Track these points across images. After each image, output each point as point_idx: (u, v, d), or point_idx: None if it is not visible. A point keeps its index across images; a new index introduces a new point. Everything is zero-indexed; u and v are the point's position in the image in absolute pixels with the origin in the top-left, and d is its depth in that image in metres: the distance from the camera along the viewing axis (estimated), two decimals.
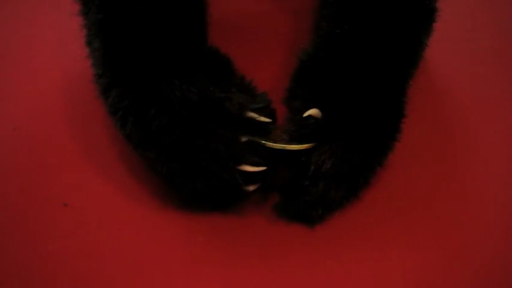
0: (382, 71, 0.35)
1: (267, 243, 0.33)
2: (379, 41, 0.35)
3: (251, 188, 0.33)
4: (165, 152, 0.32)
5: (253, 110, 0.32)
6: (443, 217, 0.35)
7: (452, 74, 0.44)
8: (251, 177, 0.32)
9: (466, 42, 0.46)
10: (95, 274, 0.32)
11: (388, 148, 0.35)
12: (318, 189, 0.33)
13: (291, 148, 0.33)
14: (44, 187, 0.36)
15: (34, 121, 0.39)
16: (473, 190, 0.36)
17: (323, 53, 0.36)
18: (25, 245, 0.33)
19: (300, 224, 0.34)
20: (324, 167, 0.32)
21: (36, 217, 0.34)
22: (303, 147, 0.33)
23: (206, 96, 0.32)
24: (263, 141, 0.32)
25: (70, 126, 0.39)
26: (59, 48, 0.44)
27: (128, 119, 0.33)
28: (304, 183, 0.33)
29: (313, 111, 0.33)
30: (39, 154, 0.37)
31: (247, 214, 0.34)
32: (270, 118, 0.33)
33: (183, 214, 0.34)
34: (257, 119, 0.32)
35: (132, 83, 0.33)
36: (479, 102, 0.42)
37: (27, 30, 0.46)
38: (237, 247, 0.33)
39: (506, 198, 0.36)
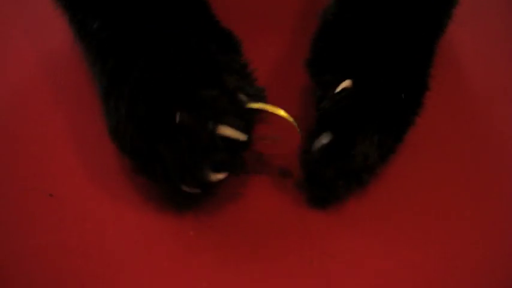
0: (410, 36, 0.33)
1: (260, 238, 0.33)
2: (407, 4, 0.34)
3: (218, 176, 0.30)
4: (144, 90, 0.29)
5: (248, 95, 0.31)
6: (448, 213, 0.34)
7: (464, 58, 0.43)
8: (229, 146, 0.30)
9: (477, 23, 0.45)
10: (80, 268, 0.31)
11: (409, 123, 0.33)
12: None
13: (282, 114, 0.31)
14: (28, 177, 0.35)
15: (17, 109, 0.38)
16: (482, 184, 0.36)
17: (349, 14, 0.33)
18: (8, 236, 0.32)
19: (294, 217, 0.33)
20: (370, 159, 0.31)
21: (20, 208, 0.33)
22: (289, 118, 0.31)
23: (205, 49, 0.30)
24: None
25: (56, 115, 0.38)
26: (38, 33, 0.43)
27: (114, 52, 0.31)
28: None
29: (346, 83, 0.31)
30: (24, 142, 0.37)
31: (240, 208, 0.34)
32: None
33: (174, 208, 0.34)
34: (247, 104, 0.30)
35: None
36: (488, 89, 0.41)
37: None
38: (229, 241, 0.33)
39: None
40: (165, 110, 0.29)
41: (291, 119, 0.32)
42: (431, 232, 0.33)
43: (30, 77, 0.40)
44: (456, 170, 0.36)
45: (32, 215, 0.33)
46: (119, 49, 0.32)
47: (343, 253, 0.32)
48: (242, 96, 0.30)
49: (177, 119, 0.28)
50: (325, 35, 0.34)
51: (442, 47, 0.38)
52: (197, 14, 0.34)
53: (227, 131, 0.29)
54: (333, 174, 0.31)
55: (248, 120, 0.30)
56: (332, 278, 0.31)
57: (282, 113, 0.31)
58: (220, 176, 0.30)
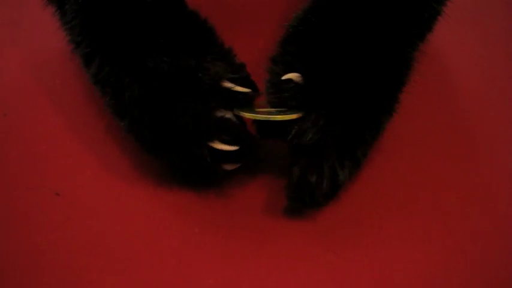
0: (381, 35, 0.33)
1: (265, 234, 0.33)
2: (378, 5, 0.33)
3: (228, 167, 0.31)
4: (136, 124, 0.31)
5: (231, 80, 0.31)
6: (447, 210, 0.34)
7: (459, 58, 0.43)
8: (226, 155, 0.31)
9: (474, 24, 0.45)
10: (86, 265, 0.31)
11: (381, 120, 0.33)
12: (298, 169, 0.31)
13: (274, 119, 0.31)
14: (35, 175, 0.35)
15: (23, 108, 0.38)
16: (480, 182, 0.35)
17: (315, 18, 0.33)
18: (15, 234, 0.32)
19: (298, 214, 0.33)
20: (303, 138, 0.30)
21: (26, 207, 0.33)
22: (288, 118, 0.31)
23: (177, 66, 0.31)
24: (242, 113, 0.31)
25: (61, 113, 0.38)
26: (45, 31, 0.43)
27: (107, 89, 0.33)
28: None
29: (293, 75, 0.31)
30: (31, 140, 0.37)
31: (245, 205, 0.34)
32: (250, 89, 0.32)
33: (179, 205, 0.34)
34: (233, 88, 0.31)
35: (109, 52, 0.33)
36: (487, 88, 0.41)
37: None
38: (234, 238, 0.32)
39: None
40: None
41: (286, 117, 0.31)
42: (432, 230, 0.33)
43: (35, 76, 0.40)
44: (456, 170, 0.36)
45: (39, 213, 0.33)
46: (113, 81, 0.33)
47: (348, 250, 0.32)
48: (227, 114, 0.31)
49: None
50: (290, 34, 0.34)
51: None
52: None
53: (220, 146, 0.31)
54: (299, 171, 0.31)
55: (241, 131, 0.32)
56: (336, 274, 0.31)
57: (268, 118, 0.31)
58: (231, 166, 0.32)
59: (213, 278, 0.31)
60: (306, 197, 0.31)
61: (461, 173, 0.36)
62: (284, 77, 0.31)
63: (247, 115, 0.31)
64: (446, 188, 0.35)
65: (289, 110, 0.31)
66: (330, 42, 0.32)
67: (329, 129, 0.31)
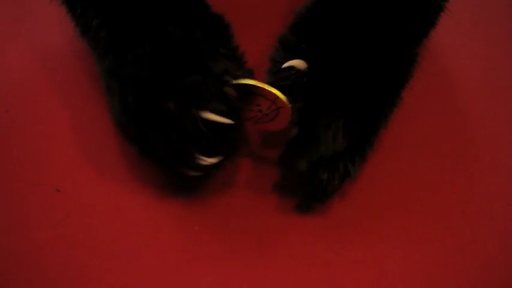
0: (387, 28, 0.33)
1: (265, 233, 0.33)
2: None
3: (209, 160, 0.30)
4: (132, 83, 0.30)
5: (235, 78, 0.30)
6: (447, 210, 0.34)
7: (461, 58, 0.43)
8: (215, 132, 0.29)
9: (475, 24, 0.45)
10: (86, 262, 0.31)
11: (384, 112, 0.33)
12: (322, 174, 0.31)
13: (268, 88, 0.30)
14: (36, 172, 0.35)
15: (24, 105, 0.38)
16: (480, 182, 0.36)
17: (320, 5, 0.33)
18: (15, 230, 0.32)
19: (298, 214, 0.33)
20: (337, 145, 0.30)
21: (27, 203, 0.33)
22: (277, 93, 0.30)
23: (189, 38, 0.31)
24: (243, 82, 0.30)
25: (62, 111, 0.38)
26: (46, 27, 0.43)
27: (109, 51, 0.32)
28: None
29: (295, 62, 0.31)
30: (32, 137, 0.37)
31: (245, 204, 0.34)
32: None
33: (179, 203, 0.34)
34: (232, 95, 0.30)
35: (117, 18, 0.32)
36: (487, 88, 0.41)
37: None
38: (233, 237, 0.32)
39: None
40: (152, 100, 0.30)
41: (278, 93, 0.30)
42: (431, 230, 0.33)
43: (36, 74, 0.40)
44: (456, 170, 0.36)
45: (39, 210, 0.33)
46: (113, 46, 0.32)
47: (347, 250, 0.32)
48: (227, 77, 0.30)
49: (164, 107, 0.29)
50: (295, 26, 0.34)
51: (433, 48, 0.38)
52: (187, 1, 0.34)
53: (211, 116, 0.29)
54: (306, 166, 0.31)
55: (236, 104, 0.30)
56: (336, 274, 0.31)
57: (268, 87, 0.30)
58: (212, 160, 0.30)
59: (213, 275, 0.31)
60: (319, 193, 0.31)
61: (461, 172, 0.36)
62: (286, 65, 0.31)
63: (246, 81, 0.30)
64: (447, 188, 0.35)
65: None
66: (336, 33, 0.32)
67: (349, 127, 0.30)
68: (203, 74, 0.29)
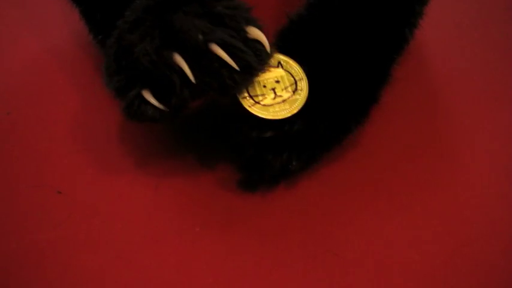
0: (371, 35, 0.34)
1: (264, 233, 0.33)
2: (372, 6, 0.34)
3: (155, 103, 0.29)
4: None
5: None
6: (447, 210, 0.34)
7: (446, 57, 0.43)
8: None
9: (474, 27, 0.45)
10: (87, 263, 0.31)
11: (360, 112, 0.34)
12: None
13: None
14: (37, 174, 0.35)
15: (25, 106, 0.38)
16: (480, 182, 0.35)
17: (317, 12, 0.34)
18: (17, 231, 0.32)
19: (298, 214, 0.33)
20: (294, 127, 0.31)
21: (29, 204, 0.34)
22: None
23: None
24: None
25: (64, 112, 0.38)
26: (47, 30, 0.43)
27: None
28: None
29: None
30: (33, 139, 0.37)
31: (244, 205, 0.34)
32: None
33: (180, 204, 0.34)
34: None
35: None
36: (487, 88, 0.41)
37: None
38: (233, 238, 0.33)
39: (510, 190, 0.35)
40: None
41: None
42: (430, 231, 0.33)
43: (38, 75, 0.40)
44: (456, 170, 0.36)
45: (41, 211, 0.33)
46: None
47: (347, 251, 0.32)
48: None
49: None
50: (287, 29, 0.35)
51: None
52: None
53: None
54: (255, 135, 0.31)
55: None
56: (335, 274, 0.31)
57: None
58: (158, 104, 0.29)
59: (213, 276, 0.31)
60: (256, 173, 0.33)
61: (461, 172, 0.36)
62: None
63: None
64: (445, 188, 0.35)
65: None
66: (326, 36, 0.33)
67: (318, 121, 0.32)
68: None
